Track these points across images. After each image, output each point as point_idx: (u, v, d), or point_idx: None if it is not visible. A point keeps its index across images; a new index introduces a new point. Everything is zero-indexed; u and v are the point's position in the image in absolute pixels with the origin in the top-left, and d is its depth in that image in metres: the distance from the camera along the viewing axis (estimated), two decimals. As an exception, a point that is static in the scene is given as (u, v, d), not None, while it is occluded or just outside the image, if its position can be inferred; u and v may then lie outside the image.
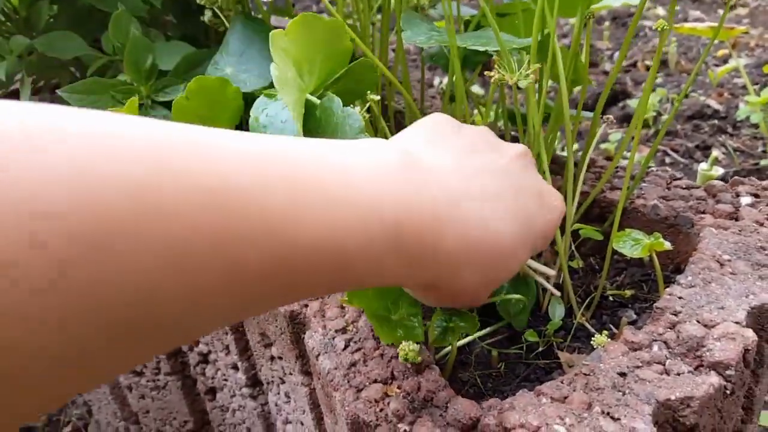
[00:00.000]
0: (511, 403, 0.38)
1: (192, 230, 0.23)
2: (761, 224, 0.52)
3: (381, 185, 0.30)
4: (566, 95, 0.48)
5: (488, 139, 0.41)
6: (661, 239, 0.46)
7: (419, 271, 0.34)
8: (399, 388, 0.40)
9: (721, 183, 0.59)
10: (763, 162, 1.24)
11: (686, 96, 1.53)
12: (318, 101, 0.43)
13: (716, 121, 1.41)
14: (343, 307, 0.49)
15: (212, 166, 0.24)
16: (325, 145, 0.31)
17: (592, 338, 0.43)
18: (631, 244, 0.47)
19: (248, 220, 0.24)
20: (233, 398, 0.68)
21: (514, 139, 0.71)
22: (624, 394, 0.37)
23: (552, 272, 0.47)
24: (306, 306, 0.50)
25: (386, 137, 0.50)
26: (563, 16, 0.52)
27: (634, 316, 0.51)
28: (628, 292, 0.53)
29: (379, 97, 0.47)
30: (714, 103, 1.47)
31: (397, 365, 0.42)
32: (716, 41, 1.65)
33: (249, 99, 0.54)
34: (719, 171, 0.88)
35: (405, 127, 0.40)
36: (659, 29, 0.42)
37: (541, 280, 0.49)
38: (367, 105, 0.47)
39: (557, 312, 0.51)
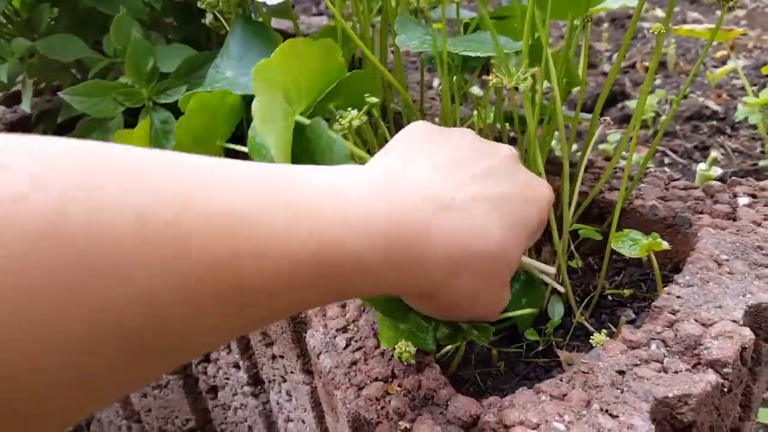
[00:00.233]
0: (511, 400, 0.38)
1: (198, 254, 0.24)
2: (758, 224, 0.52)
3: (369, 202, 0.32)
4: (558, 98, 0.48)
5: (471, 141, 0.41)
6: (659, 239, 0.46)
7: (411, 280, 0.35)
8: (399, 386, 0.40)
9: (718, 183, 0.59)
10: (761, 163, 1.24)
11: (685, 97, 1.54)
12: (308, 122, 0.44)
13: (715, 122, 1.42)
14: (344, 306, 0.49)
15: (217, 195, 0.26)
16: (318, 171, 0.33)
17: (591, 337, 0.44)
18: (630, 244, 0.47)
19: (252, 242, 0.26)
20: (235, 397, 0.68)
21: (512, 141, 0.72)
22: (622, 391, 0.38)
23: (552, 270, 0.47)
24: (307, 306, 0.50)
25: (387, 139, 0.50)
26: (557, 19, 0.52)
27: (633, 315, 0.51)
28: (627, 292, 0.54)
29: (377, 100, 0.48)
30: (713, 104, 1.48)
31: (398, 364, 0.42)
32: (715, 43, 1.65)
33: (249, 100, 0.55)
34: (718, 171, 0.89)
35: (404, 127, 0.41)
36: (656, 33, 0.42)
37: (545, 277, 0.50)
38: (365, 108, 0.47)
39: (557, 311, 0.51)
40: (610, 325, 0.51)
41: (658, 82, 1.66)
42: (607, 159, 0.68)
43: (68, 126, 0.75)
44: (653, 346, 0.41)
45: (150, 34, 0.77)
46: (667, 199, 0.58)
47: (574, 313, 0.51)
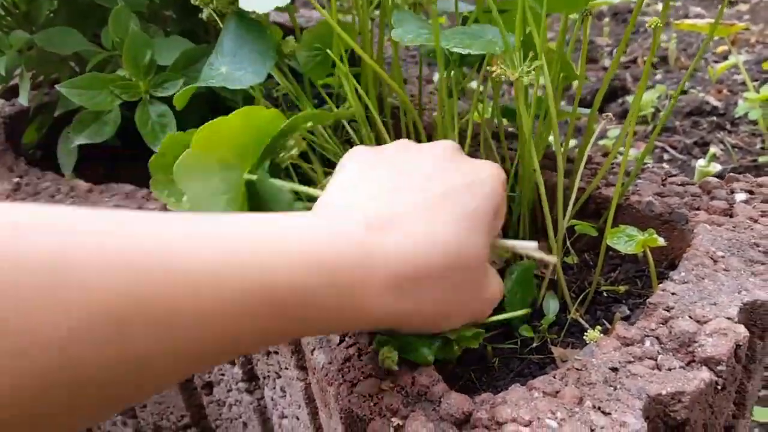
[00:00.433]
0: (504, 397, 0.38)
1: (175, 310, 0.27)
2: (755, 221, 0.52)
3: (311, 242, 0.33)
4: (552, 93, 0.48)
5: (404, 152, 0.42)
6: (655, 235, 0.46)
7: (366, 310, 0.34)
8: (393, 382, 0.40)
9: (716, 180, 0.59)
10: (761, 159, 1.24)
11: (684, 92, 1.53)
12: (254, 178, 0.45)
13: (715, 118, 1.41)
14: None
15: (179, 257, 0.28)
16: (263, 221, 0.34)
17: (585, 334, 0.44)
18: (625, 240, 0.47)
19: (221, 296, 0.29)
20: (230, 393, 0.69)
21: (511, 135, 0.72)
22: (615, 388, 0.38)
23: (553, 260, 0.46)
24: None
25: (380, 138, 0.50)
26: (556, 12, 0.52)
27: (628, 312, 0.51)
28: (622, 288, 0.53)
29: (297, 152, 0.49)
30: (713, 100, 1.47)
31: (392, 360, 0.42)
32: (717, 38, 1.64)
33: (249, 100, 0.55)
34: (717, 167, 0.88)
35: (401, 121, 0.41)
36: (653, 26, 0.42)
37: (535, 254, 0.48)
38: (288, 155, 0.48)
39: (551, 307, 0.51)
40: (605, 322, 0.51)
41: (659, 77, 1.66)
42: (606, 155, 0.68)
43: (65, 119, 0.75)
44: (647, 343, 0.41)
45: (148, 26, 0.76)
46: (663, 195, 0.58)
47: (569, 310, 0.51)
